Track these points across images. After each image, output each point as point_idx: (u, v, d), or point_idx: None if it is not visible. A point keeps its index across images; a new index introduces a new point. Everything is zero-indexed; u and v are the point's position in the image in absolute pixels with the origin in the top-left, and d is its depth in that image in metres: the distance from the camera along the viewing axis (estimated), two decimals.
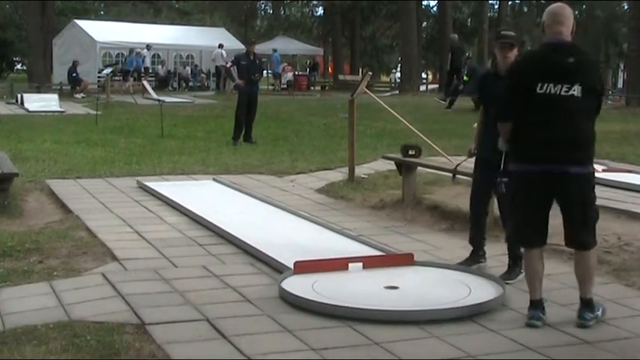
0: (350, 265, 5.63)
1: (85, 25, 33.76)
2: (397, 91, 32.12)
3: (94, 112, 18.23)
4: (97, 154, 11.95)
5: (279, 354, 4.09)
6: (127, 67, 31.62)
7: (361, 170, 10.34)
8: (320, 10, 52.95)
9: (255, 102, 14.02)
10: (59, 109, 20.63)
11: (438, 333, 4.41)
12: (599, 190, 9.17)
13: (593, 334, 4.45)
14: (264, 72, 22.49)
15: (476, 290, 5.14)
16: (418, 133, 9.35)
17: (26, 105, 21.18)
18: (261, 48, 33.03)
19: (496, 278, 5.39)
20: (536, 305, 4.62)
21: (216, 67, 32.03)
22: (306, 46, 43.00)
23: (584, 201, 4.55)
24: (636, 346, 4.33)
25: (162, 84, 31.96)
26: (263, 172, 10.71)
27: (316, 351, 4.13)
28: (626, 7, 37.63)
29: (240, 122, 13.82)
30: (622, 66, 45.12)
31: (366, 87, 10.84)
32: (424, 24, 44.96)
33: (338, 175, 10.24)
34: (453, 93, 22.04)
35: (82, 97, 25.85)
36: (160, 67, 33.97)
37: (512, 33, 5.82)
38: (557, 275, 5.68)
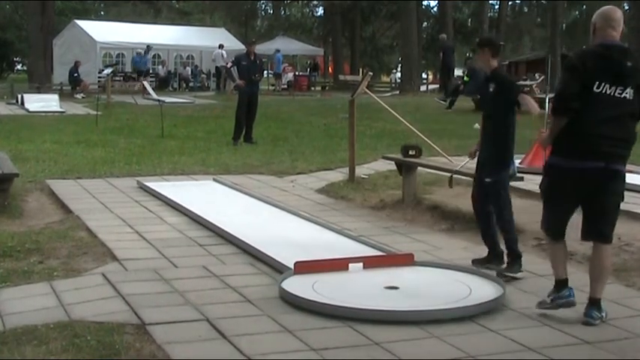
0: (350, 265, 5.64)
1: (85, 25, 33.77)
2: (397, 92, 32.11)
3: (95, 113, 18.23)
4: (98, 155, 11.96)
5: (279, 354, 4.09)
6: (141, 66, 31.81)
7: (361, 170, 10.34)
8: (320, 11, 53.01)
9: (255, 102, 14.02)
10: (59, 110, 20.63)
11: (438, 333, 4.41)
12: None
13: (594, 335, 4.45)
14: (265, 72, 22.48)
15: (476, 290, 5.15)
16: (418, 133, 9.36)
17: (26, 105, 21.17)
18: (263, 48, 33.06)
19: (496, 278, 5.39)
20: (566, 284, 4.78)
21: (217, 67, 32.04)
22: (307, 46, 43.01)
23: (618, 197, 4.73)
24: (636, 346, 4.33)
25: (162, 84, 31.96)
26: (263, 173, 10.71)
27: (316, 351, 4.13)
28: (626, 7, 37.62)
29: (240, 122, 13.83)
30: None
31: (367, 87, 10.84)
32: (424, 24, 44.96)
33: (338, 175, 10.24)
34: (454, 93, 22.06)
35: (82, 98, 25.85)
36: (160, 67, 33.96)
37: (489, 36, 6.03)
38: None
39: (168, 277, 5.50)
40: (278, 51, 34.90)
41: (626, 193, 8.94)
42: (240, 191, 9.12)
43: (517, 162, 7.01)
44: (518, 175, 6.90)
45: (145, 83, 20.97)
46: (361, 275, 5.55)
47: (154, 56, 33.22)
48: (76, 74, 27.89)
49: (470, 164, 6.41)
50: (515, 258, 5.66)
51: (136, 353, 4.07)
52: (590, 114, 4.53)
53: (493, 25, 39.63)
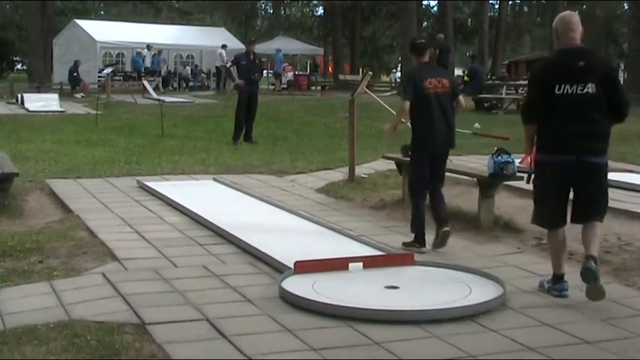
0: (350, 264, 5.64)
1: (85, 24, 33.74)
2: (397, 91, 32.13)
3: (95, 112, 18.23)
4: (98, 154, 11.96)
5: (279, 354, 4.09)
6: (153, 66, 31.98)
7: (361, 170, 10.34)
8: (320, 10, 52.98)
9: (255, 102, 14.03)
10: (59, 109, 20.64)
11: (438, 333, 4.41)
12: None
13: (594, 334, 4.45)
14: (264, 72, 22.47)
15: (476, 290, 5.14)
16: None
17: (26, 105, 21.18)
18: (263, 48, 33.07)
19: (497, 278, 5.38)
20: (562, 278, 5.17)
21: (217, 67, 32.05)
22: (307, 46, 42.98)
23: (600, 186, 5.14)
24: (637, 345, 4.33)
25: (162, 83, 31.95)
26: (263, 172, 10.71)
27: (316, 351, 4.13)
28: (626, 7, 37.63)
29: (240, 122, 13.83)
30: (622, 66, 45.12)
31: (366, 87, 10.83)
32: (424, 24, 44.94)
33: (338, 175, 10.24)
34: None
35: (82, 97, 25.85)
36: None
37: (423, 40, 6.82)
38: None
39: (168, 276, 5.50)
40: (279, 51, 34.89)
41: (625, 193, 8.97)
42: (241, 191, 9.12)
43: (517, 161, 7.02)
44: (519, 174, 6.91)
45: (145, 83, 20.93)
46: (361, 275, 5.55)
47: (153, 55, 33.20)
48: (75, 74, 27.89)
49: (469, 163, 6.46)
50: (420, 237, 6.45)
51: (136, 353, 4.07)
52: (558, 113, 5.02)
53: (493, 25, 39.60)
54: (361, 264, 5.66)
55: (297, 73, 37.44)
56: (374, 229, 7.28)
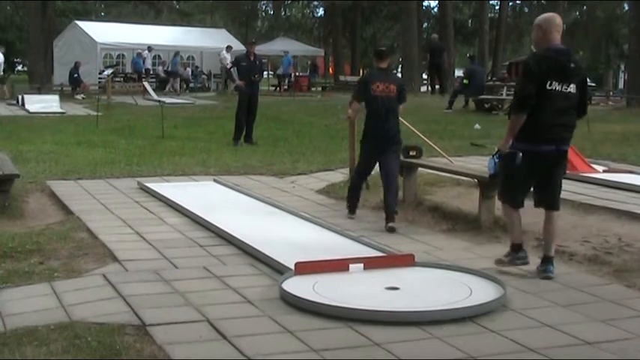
0: (351, 265, 5.64)
1: (86, 26, 33.74)
2: None
3: (95, 113, 18.23)
4: (98, 155, 11.96)
5: (279, 355, 4.09)
6: (171, 68, 32.11)
7: None
8: (321, 11, 52.97)
9: (255, 103, 14.03)
10: (60, 110, 20.62)
11: (438, 334, 4.41)
12: (599, 191, 9.23)
13: (594, 335, 4.45)
14: (265, 73, 22.48)
15: (477, 291, 5.15)
16: (419, 134, 9.36)
17: (27, 106, 21.17)
18: (265, 49, 33.04)
19: (497, 279, 5.39)
20: (522, 246, 5.84)
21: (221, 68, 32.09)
22: (307, 47, 42.99)
23: (564, 172, 5.89)
24: (637, 346, 4.32)
25: (162, 85, 31.97)
26: (264, 173, 10.71)
27: (317, 352, 4.13)
28: (626, 7, 37.62)
29: (240, 123, 13.83)
30: (623, 67, 45.11)
31: None
32: (425, 25, 44.94)
33: (339, 176, 10.24)
34: (453, 94, 22.08)
35: (83, 98, 25.85)
36: (160, 68, 33.95)
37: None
38: (559, 276, 5.68)
39: (169, 277, 5.50)
40: (287, 52, 34.95)
41: (626, 194, 8.98)
42: (241, 192, 9.12)
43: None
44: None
45: (146, 84, 20.96)
46: (362, 276, 5.55)
47: (154, 57, 33.22)
48: (76, 75, 27.88)
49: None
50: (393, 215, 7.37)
51: (137, 354, 4.07)
52: (546, 107, 5.53)
53: (494, 26, 39.60)
54: (362, 265, 5.66)
55: (297, 74, 37.43)
56: (374, 230, 7.28)
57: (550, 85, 5.51)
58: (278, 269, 5.68)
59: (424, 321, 4.58)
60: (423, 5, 42.94)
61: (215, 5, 50.26)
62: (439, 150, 9.13)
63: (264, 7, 58.49)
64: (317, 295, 4.97)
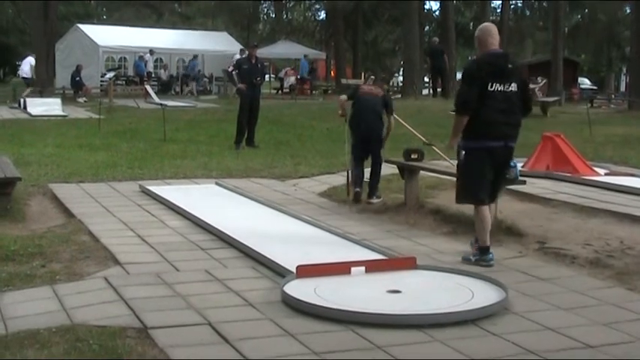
0: (352, 269, 5.64)
1: (88, 29, 33.75)
2: (399, 95, 32.13)
3: (97, 117, 18.25)
4: (100, 158, 11.97)
5: (281, 358, 4.09)
6: (188, 71, 32.21)
7: None
8: (322, 14, 52.99)
9: (257, 106, 14.04)
10: (62, 114, 20.64)
11: (440, 337, 4.41)
12: (601, 194, 9.23)
13: (596, 338, 4.44)
14: (266, 76, 22.48)
15: (478, 294, 5.14)
16: (420, 137, 9.35)
17: (29, 109, 21.19)
18: (272, 52, 32.99)
19: (499, 282, 5.38)
20: (489, 249, 6.09)
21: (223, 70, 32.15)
22: (309, 50, 42.98)
23: (507, 169, 6.32)
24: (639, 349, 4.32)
25: (164, 88, 31.99)
26: (265, 176, 10.72)
27: (319, 355, 4.13)
28: (628, 10, 37.60)
29: (242, 126, 13.84)
30: (624, 70, 45.08)
31: None
32: (426, 28, 44.96)
33: (340, 178, 10.23)
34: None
35: (85, 102, 25.87)
36: (162, 71, 33.97)
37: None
38: (560, 279, 5.68)
39: (171, 281, 5.50)
40: (306, 56, 35.01)
41: (628, 197, 8.98)
42: (243, 195, 9.12)
43: (519, 165, 7.03)
44: (521, 178, 6.90)
45: (148, 87, 20.96)
46: (363, 279, 5.55)
47: (156, 60, 33.23)
48: (78, 78, 27.89)
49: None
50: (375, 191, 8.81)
51: (138, 357, 4.07)
52: (489, 107, 5.94)
53: None
54: (363, 268, 5.66)
55: (299, 77, 37.41)
56: (376, 233, 7.28)
57: (491, 87, 5.95)
58: (279, 272, 5.68)
59: (426, 324, 4.57)
60: (424, 8, 42.97)
61: (217, 4, 50.21)
62: (441, 153, 9.11)
63: (265, 10, 58.52)
64: (319, 298, 4.97)
